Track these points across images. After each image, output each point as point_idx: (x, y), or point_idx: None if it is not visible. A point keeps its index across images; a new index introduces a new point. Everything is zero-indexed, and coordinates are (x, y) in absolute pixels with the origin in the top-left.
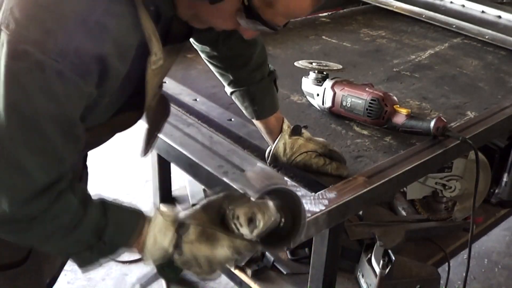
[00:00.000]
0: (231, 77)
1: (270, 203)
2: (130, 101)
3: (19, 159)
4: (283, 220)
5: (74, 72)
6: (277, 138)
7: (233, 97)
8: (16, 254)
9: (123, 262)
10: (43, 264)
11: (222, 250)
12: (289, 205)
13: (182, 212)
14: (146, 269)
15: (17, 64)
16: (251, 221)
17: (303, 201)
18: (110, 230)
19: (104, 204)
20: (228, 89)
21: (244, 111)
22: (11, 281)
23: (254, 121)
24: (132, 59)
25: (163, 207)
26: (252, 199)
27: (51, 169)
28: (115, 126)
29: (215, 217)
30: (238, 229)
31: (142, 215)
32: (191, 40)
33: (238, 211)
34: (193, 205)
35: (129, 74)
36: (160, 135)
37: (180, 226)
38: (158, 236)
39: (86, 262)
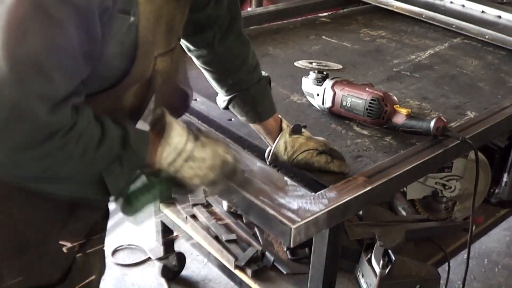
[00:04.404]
0: (230, 81)
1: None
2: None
3: (41, 60)
4: None
5: None
6: (276, 138)
7: (231, 105)
8: (55, 273)
9: (123, 265)
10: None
11: (223, 151)
12: None
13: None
14: (146, 270)
15: None
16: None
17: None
18: (131, 135)
19: (107, 120)
20: (226, 97)
21: (244, 117)
22: None
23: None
24: None
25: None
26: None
27: (72, 77)
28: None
29: None
30: None
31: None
32: (186, 47)
33: None
34: (194, 205)
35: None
36: None
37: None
38: (174, 137)
39: (119, 181)
